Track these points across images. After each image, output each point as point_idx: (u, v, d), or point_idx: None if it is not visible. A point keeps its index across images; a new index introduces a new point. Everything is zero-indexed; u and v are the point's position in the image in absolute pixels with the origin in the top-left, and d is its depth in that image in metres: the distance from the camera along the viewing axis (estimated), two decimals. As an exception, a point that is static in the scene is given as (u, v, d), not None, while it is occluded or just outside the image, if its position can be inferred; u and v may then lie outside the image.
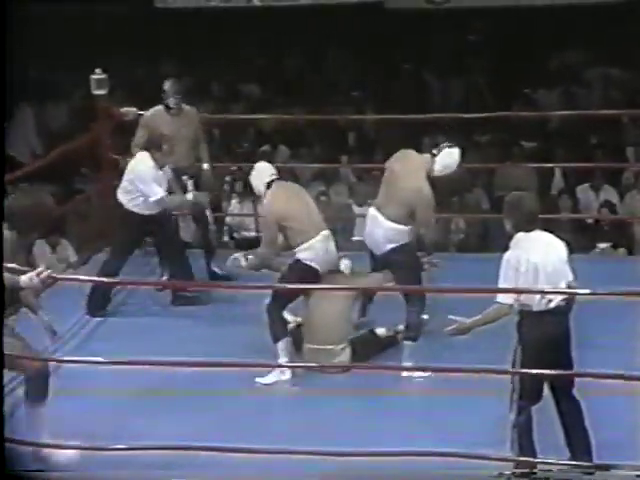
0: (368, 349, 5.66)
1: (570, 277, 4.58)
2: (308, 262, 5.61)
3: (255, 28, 11.82)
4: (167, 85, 6.77)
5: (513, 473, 4.43)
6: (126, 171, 6.45)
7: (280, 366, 5.46)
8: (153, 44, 11.86)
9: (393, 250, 5.57)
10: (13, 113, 10.93)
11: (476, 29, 12.21)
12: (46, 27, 11.22)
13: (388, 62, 11.93)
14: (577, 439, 4.56)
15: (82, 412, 5.00)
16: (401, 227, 5.56)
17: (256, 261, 5.72)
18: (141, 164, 6.30)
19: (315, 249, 5.61)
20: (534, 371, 4.50)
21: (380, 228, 5.61)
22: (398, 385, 5.32)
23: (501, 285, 4.51)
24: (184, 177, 6.72)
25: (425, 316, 5.99)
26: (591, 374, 4.60)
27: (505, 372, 4.65)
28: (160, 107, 6.79)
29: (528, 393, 4.50)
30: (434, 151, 5.67)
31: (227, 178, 8.88)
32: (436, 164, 5.59)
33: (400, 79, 11.73)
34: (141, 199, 6.33)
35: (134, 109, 7.15)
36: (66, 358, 5.42)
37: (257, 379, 5.42)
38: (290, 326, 5.78)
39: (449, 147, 5.66)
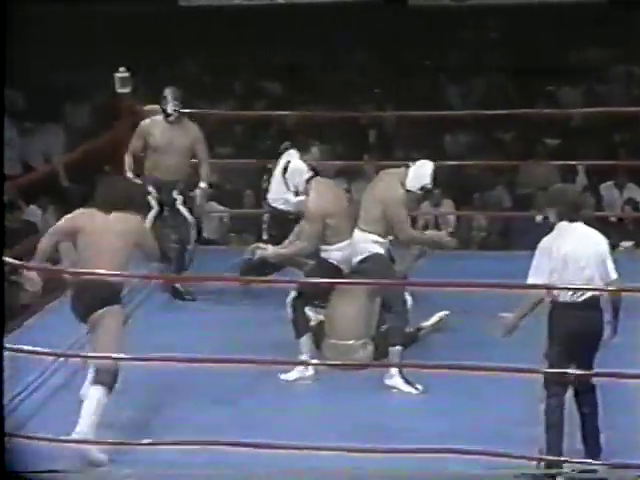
0: (389, 346, 5.62)
1: (612, 276, 4.57)
2: (335, 262, 5.63)
3: (277, 26, 11.86)
4: (166, 91, 6.70)
5: (534, 476, 4.47)
6: (277, 172, 6.41)
7: (301, 363, 5.47)
8: (177, 42, 11.93)
9: (363, 260, 5.55)
10: (41, 125, 11.04)
11: (498, 26, 12.20)
12: (70, 27, 11.31)
13: (409, 59, 11.94)
14: (590, 431, 4.59)
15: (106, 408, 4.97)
16: (371, 236, 5.55)
17: (287, 254, 5.74)
18: (297, 162, 6.09)
19: (345, 250, 5.63)
20: (548, 370, 4.55)
21: (353, 242, 5.60)
22: (419, 382, 5.31)
23: (532, 269, 4.56)
24: (174, 192, 6.62)
25: (446, 313, 6.02)
26: (605, 374, 4.62)
27: (520, 370, 4.65)
28: (159, 116, 6.73)
29: (552, 384, 4.54)
30: (409, 164, 5.69)
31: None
32: (408, 176, 5.59)
33: (421, 76, 11.74)
34: (283, 198, 6.27)
35: (157, 107, 7.18)
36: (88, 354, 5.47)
37: (281, 375, 5.46)
38: (312, 323, 5.77)
39: (425, 166, 5.64)
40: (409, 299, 5.48)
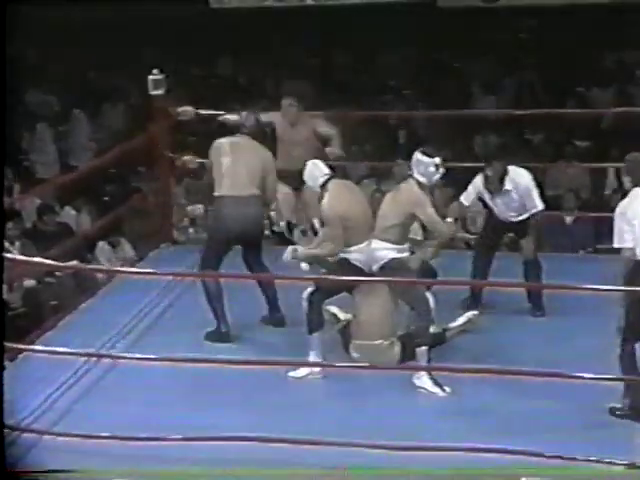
0: (416, 346, 5.53)
1: None
2: (356, 263, 5.65)
3: (307, 27, 11.93)
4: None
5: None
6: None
7: (314, 365, 5.47)
8: (209, 44, 12.03)
9: (382, 267, 5.57)
10: (69, 119, 11.17)
11: (529, 27, 12.20)
12: (104, 29, 11.45)
13: (440, 60, 11.97)
14: None
15: (134, 407, 5.10)
16: (387, 244, 5.57)
17: (317, 255, 5.72)
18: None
19: (365, 252, 5.64)
20: (581, 375, 4.68)
21: (371, 250, 5.62)
22: (448, 382, 5.31)
23: (615, 236, 4.90)
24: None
25: (475, 313, 6.02)
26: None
27: (548, 374, 4.78)
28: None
29: (632, 329, 4.83)
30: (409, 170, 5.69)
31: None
32: (416, 176, 5.60)
33: (451, 77, 11.76)
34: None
35: (190, 108, 7.27)
36: (120, 354, 5.56)
37: (289, 373, 5.46)
38: (340, 324, 5.83)
39: (420, 154, 5.63)
40: (431, 299, 5.49)
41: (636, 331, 4.89)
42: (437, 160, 5.58)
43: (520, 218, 6.26)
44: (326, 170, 5.77)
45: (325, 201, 5.67)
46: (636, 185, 4.97)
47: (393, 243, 5.59)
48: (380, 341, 5.61)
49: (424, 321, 5.45)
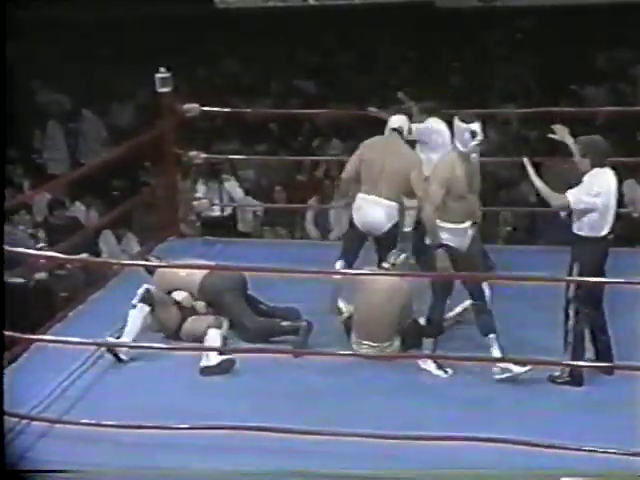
0: (416, 338, 5.71)
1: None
2: (359, 226, 6.04)
3: (310, 27, 12.07)
4: None
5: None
6: None
7: (315, 353, 5.60)
8: (214, 43, 12.16)
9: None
10: (79, 117, 11.33)
11: (525, 27, 12.34)
12: (112, 29, 11.59)
13: (438, 59, 12.10)
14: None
15: (143, 395, 5.22)
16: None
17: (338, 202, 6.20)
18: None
19: (361, 208, 6.03)
20: (569, 362, 5.01)
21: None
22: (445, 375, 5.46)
23: (591, 223, 5.20)
24: None
25: (468, 302, 6.17)
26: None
27: (554, 363, 5.05)
28: None
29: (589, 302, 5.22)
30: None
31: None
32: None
33: (449, 76, 11.92)
34: None
35: (196, 105, 7.45)
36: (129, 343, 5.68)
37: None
38: (344, 317, 5.90)
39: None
40: (487, 290, 5.75)
41: (593, 302, 5.23)
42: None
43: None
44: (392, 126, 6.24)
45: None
46: (594, 165, 5.23)
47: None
48: (379, 344, 5.70)
49: (437, 315, 5.59)
